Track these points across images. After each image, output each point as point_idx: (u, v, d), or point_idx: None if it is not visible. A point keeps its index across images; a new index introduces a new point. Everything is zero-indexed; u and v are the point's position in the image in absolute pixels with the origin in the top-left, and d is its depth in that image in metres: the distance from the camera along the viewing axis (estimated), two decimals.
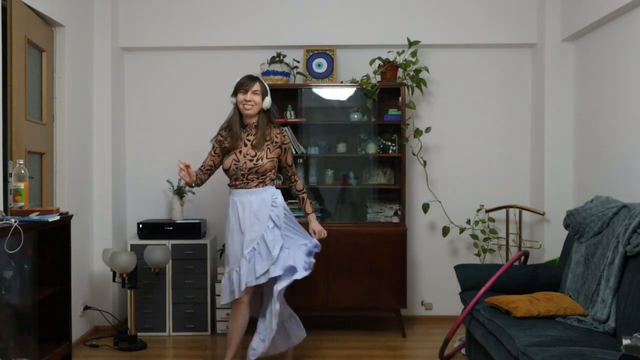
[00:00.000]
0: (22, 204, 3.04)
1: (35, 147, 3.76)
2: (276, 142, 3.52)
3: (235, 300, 3.48)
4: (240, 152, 3.48)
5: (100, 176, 4.59)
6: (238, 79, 3.54)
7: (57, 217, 3.07)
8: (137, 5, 4.75)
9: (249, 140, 3.50)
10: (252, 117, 3.52)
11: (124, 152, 4.88)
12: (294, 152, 4.51)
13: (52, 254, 3.30)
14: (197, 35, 4.75)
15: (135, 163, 4.89)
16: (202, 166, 3.60)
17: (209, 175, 3.64)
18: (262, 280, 3.40)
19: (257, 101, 3.48)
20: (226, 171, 3.53)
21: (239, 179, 3.49)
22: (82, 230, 4.31)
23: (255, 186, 3.48)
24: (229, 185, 3.57)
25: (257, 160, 3.46)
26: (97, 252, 4.51)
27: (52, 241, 3.29)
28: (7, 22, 3.39)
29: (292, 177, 3.66)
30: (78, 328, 4.22)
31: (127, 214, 4.89)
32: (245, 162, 3.46)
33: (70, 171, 4.18)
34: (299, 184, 3.67)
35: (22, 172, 3.06)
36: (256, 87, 3.48)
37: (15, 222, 2.71)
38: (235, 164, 3.47)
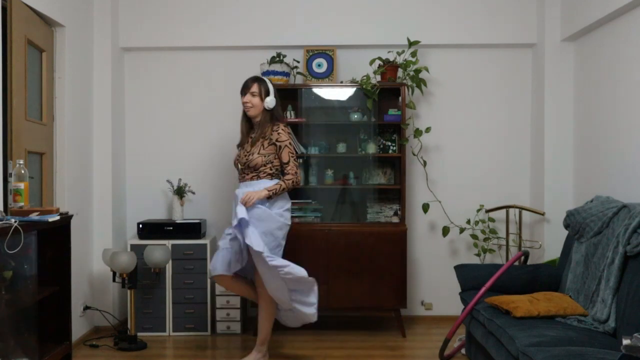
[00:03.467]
0: (22, 204, 3.04)
1: (35, 147, 3.76)
2: (270, 139, 3.65)
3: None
4: (244, 147, 3.74)
5: (100, 176, 4.59)
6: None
7: (57, 217, 3.07)
8: (137, 5, 4.75)
9: (251, 138, 3.73)
10: (255, 116, 3.75)
11: (124, 152, 4.88)
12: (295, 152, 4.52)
13: (52, 254, 3.30)
14: (197, 35, 4.75)
15: (135, 163, 4.89)
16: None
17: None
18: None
19: (254, 103, 3.70)
20: (234, 165, 3.84)
21: (239, 173, 3.75)
22: (82, 230, 4.31)
23: (250, 179, 3.68)
24: None
25: (249, 155, 3.66)
26: (97, 252, 4.51)
27: (52, 241, 3.29)
28: (7, 22, 3.39)
29: (287, 174, 3.67)
30: (78, 328, 4.22)
31: (127, 214, 4.89)
32: (242, 157, 3.71)
33: (70, 171, 4.18)
34: (287, 176, 3.64)
35: (22, 172, 3.06)
36: (254, 88, 3.70)
37: (15, 222, 2.71)
38: (237, 159, 3.78)
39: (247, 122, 3.80)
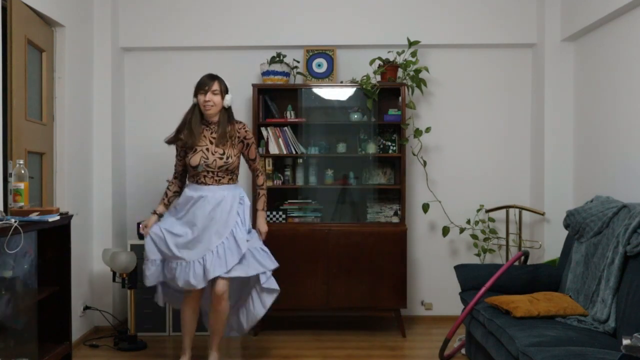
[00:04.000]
0: (22, 204, 3.04)
1: (35, 147, 3.76)
2: (238, 137, 3.62)
3: (193, 293, 3.59)
4: (208, 149, 3.56)
5: (100, 176, 4.59)
6: (199, 79, 3.62)
7: (57, 217, 3.07)
8: (137, 5, 4.75)
9: (213, 138, 3.59)
10: (214, 116, 3.61)
11: (124, 152, 4.88)
12: (291, 152, 4.53)
13: (52, 254, 3.30)
14: (197, 35, 4.75)
15: (135, 163, 4.89)
16: (174, 176, 3.75)
17: (185, 179, 3.74)
18: (233, 274, 3.49)
19: (216, 101, 3.56)
20: (194, 167, 3.57)
21: (207, 176, 3.56)
22: (82, 230, 4.31)
23: (227, 182, 3.60)
24: (190, 181, 3.65)
25: (227, 158, 3.56)
26: (97, 252, 4.51)
27: (52, 241, 3.29)
28: (7, 22, 3.39)
29: (256, 171, 3.75)
30: (78, 328, 4.22)
31: (127, 214, 4.89)
32: (215, 160, 3.55)
33: (70, 171, 4.18)
34: (260, 179, 3.76)
35: (22, 172, 3.06)
36: (215, 86, 3.56)
37: (15, 222, 2.71)
38: (204, 161, 3.54)
39: (201, 121, 3.61)
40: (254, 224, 3.74)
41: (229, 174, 3.59)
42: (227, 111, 3.64)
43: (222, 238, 3.50)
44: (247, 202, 3.65)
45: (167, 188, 3.76)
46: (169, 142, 3.70)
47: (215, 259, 3.46)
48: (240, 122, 3.68)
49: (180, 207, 3.60)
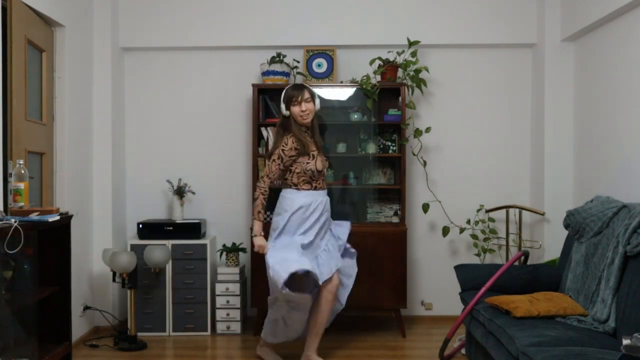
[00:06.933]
0: (22, 204, 3.04)
1: (35, 147, 3.76)
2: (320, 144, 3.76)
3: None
4: (319, 154, 3.68)
5: (100, 176, 4.59)
6: (285, 91, 3.67)
7: (57, 217, 3.07)
8: (137, 5, 4.75)
9: (315, 143, 3.70)
10: (310, 122, 3.69)
11: (124, 152, 4.88)
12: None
13: (52, 254, 3.30)
14: (197, 35, 4.75)
15: (135, 163, 4.89)
16: (269, 185, 3.66)
17: None
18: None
19: (311, 108, 3.64)
20: (319, 172, 3.64)
21: (318, 181, 3.68)
22: (82, 230, 4.31)
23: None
24: (297, 187, 3.63)
25: (326, 162, 3.76)
26: (97, 252, 4.51)
27: (52, 241, 3.29)
28: (7, 22, 3.39)
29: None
30: (78, 328, 4.22)
31: (127, 214, 4.89)
32: (325, 164, 3.73)
33: (70, 171, 4.18)
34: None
35: (22, 172, 3.06)
36: (306, 94, 3.63)
37: (15, 222, 2.71)
38: (323, 166, 3.70)
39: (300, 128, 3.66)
40: None
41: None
42: (316, 115, 3.72)
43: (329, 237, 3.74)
44: None
45: (262, 202, 3.63)
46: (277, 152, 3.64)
47: (326, 256, 3.64)
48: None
49: (302, 218, 3.60)
